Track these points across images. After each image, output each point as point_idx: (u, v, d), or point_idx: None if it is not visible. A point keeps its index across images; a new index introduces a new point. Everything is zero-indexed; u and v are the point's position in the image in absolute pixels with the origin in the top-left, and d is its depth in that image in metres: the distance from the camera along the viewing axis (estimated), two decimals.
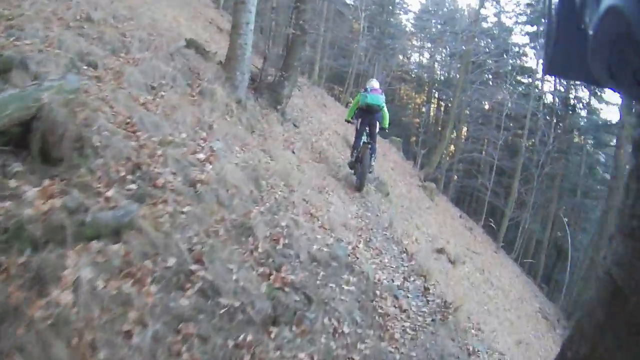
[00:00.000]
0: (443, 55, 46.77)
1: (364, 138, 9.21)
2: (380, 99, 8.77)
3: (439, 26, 45.74)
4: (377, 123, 9.11)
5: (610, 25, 0.63)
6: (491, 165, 31.49)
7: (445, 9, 47.15)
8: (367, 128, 9.17)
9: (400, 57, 48.10)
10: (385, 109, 9.07)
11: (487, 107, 36.95)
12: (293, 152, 8.97)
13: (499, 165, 29.03)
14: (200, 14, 17.04)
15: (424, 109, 49.51)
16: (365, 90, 9.03)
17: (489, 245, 21.49)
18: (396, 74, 43.61)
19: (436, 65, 48.44)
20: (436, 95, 48.89)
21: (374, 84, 9.24)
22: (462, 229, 20.19)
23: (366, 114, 9.01)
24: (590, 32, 0.72)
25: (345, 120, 10.08)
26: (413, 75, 50.34)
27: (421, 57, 50.48)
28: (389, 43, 37.48)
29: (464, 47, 27.57)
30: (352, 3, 43.90)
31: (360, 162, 9.04)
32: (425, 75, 48.99)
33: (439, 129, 45.44)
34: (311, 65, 29.87)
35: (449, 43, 41.30)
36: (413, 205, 14.80)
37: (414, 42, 47.54)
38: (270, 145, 8.02)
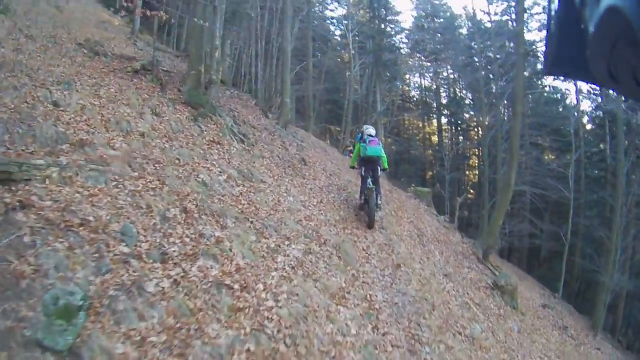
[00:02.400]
0: (448, 71, 36.41)
1: (369, 183, 8.64)
2: (378, 150, 8.79)
3: (435, 40, 35.53)
4: (378, 168, 8.89)
5: (610, 25, 0.59)
6: (548, 202, 21.47)
7: (441, 19, 36.59)
8: (370, 174, 8.76)
9: (398, 84, 38.04)
10: (383, 153, 8.91)
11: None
12: None
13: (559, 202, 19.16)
14: None
15: (435, 138, 39.03)
16: (364, 141, 8.90)
17: (585, 335, 14.21)
18: (397, 103, 33.34)
19: (441, 86, 38.34)
20: (444, 120, 38.46)
21: (371, 131, 9.27)
22: (557, 334, 11.66)
23: (368, 163, 8.89)
24: (590, 32, 0.65)
25: (351, 167, 9.98)
26: (415, 101, 40.27)
27: (422, 79, 40.01)
28: (389, 58, 27.27)
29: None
30: (340, 27, 35.02)
31: (367, 204, 8.77)
32: (433, 100, 38.82)
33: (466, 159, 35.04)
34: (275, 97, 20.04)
35: (454, 56, 31.52)
36: None
37: (410, 62, 36.94)
38: None
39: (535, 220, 22.91)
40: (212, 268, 3.98)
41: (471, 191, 35.24)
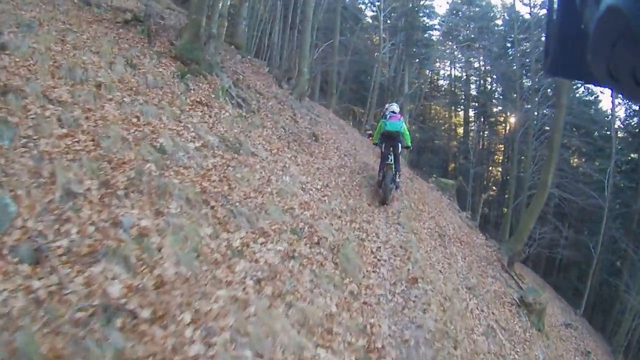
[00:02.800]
0: (480, 62, 33.93)
1: (389, 160, 8.16)
2: (398, 125, 8.24)
3: (469, 28, 32.93)
4: (399, 145, 8.36)
5: (610, 25, 0.55)
6: (573, 207, 19.64)
7: (476, 8, 33.71)
8: (390, 150, 8.24)
9: (427, 72, 35.64)
10: (405, 129, 8.40)
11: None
12: None
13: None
14: None
15: (460, 130, 36.68)
16: (385, 117, 8.53)
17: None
18: (424, 90, 31.25)
19: (471, 76, 35.86)
20: (471, 112, 36.07)
21: (394, 108, 8.80)
22: None
23: (388, 139, 8.33)
24: (590, 32, 0.61)
25: (374, 144, 9.52)
26: (443, 91, 37.86)
27: (453, 69, 37.48)
28: (420, 39, 25.24)
29: None
30: (372, 9, 32.85)
31: (384, 180, 8.14)
32: (462, 90, 36.40)
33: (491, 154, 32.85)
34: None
35: (488, 46, 29.34)
36: None
37: (441, 49, 34.43)
38: None
39: (561, 227, 21.00)
40: (113, 279, 2.40)
41: (493, 188, 33.17)
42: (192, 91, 6.47)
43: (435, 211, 10.45)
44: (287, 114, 9.32)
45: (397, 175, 8.58)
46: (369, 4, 32.34)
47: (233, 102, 7.27)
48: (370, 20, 35.30)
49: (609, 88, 0.69)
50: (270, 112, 8.54)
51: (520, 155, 22.97)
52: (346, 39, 26.94)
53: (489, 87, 35.20)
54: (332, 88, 19.18)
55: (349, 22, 27.95)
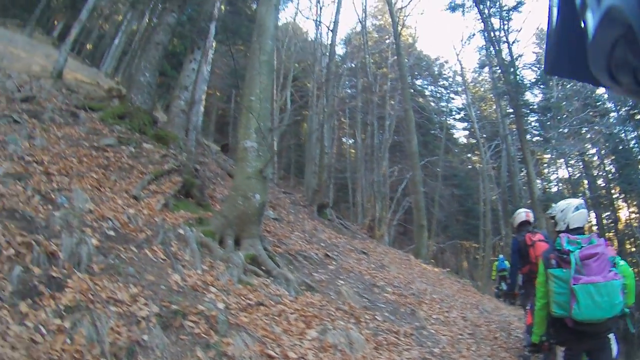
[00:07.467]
0: None
1: None
2: (618, 288, 2.21)
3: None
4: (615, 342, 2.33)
5: (610, 25, 0.53)
6: None
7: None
8: None
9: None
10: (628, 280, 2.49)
11: None
12: None
13: None
14: None
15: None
16: (561, 257, 2.38)
17: None
18: None
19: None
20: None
21: (577, 216, 2.57)
22: None
23: (587, 337, 2.38)
24: (591, 32, 0.59)
25: (535, 344, 2.65)
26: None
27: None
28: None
29: None
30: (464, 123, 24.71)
31: None
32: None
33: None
34: None
35: None
36: None
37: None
38: None
39: None
40: None
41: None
42: None
43: None
44: None
45: None
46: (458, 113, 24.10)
47: None
48: (465, 140, 27.51)
49: (608, 88, 0.63)
50: None
51: None
52: (439, 159, 18.80)
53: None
54: (421, 219, 10.17)
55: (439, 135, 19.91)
